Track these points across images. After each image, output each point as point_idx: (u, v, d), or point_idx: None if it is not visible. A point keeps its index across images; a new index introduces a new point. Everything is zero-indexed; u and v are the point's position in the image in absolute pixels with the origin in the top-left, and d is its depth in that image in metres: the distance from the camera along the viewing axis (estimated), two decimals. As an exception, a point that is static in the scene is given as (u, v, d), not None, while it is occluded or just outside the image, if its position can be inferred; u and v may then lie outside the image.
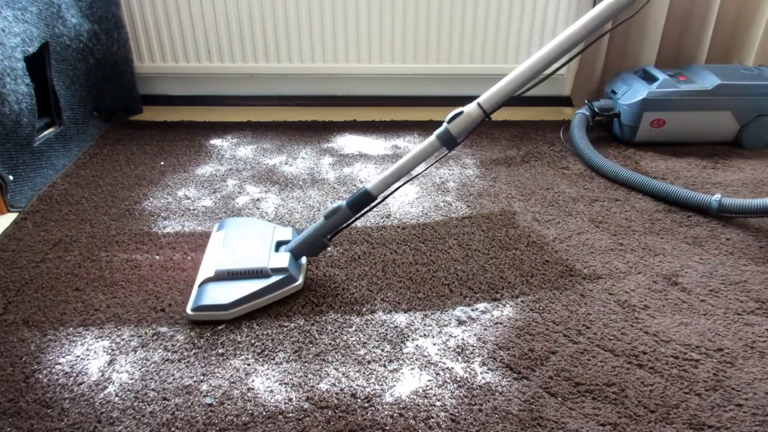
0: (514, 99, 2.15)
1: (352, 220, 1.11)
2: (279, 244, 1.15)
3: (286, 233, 1.18)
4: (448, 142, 1.07)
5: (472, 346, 0.98)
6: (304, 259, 1.15)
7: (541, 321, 1.03)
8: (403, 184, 1.12)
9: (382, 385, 0.90)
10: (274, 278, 1.05)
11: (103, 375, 0.91)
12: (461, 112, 1.06)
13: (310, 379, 0.91)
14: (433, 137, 1.08)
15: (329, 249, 1.22)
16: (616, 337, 1.00)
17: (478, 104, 1.06)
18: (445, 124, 1.07)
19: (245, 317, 1.03)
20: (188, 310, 1.02)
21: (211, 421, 0.83)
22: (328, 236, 1.12)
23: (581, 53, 1.20)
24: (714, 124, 1.69)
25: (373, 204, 1.10)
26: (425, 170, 1.08)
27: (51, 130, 1.57)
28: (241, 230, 1.19)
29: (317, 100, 2.05)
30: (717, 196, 1.33)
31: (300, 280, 1.10)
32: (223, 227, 1.21)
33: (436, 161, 1.11)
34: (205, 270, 1.09)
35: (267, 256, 1.10)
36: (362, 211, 1.10)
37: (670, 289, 1.12)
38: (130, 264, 1.17)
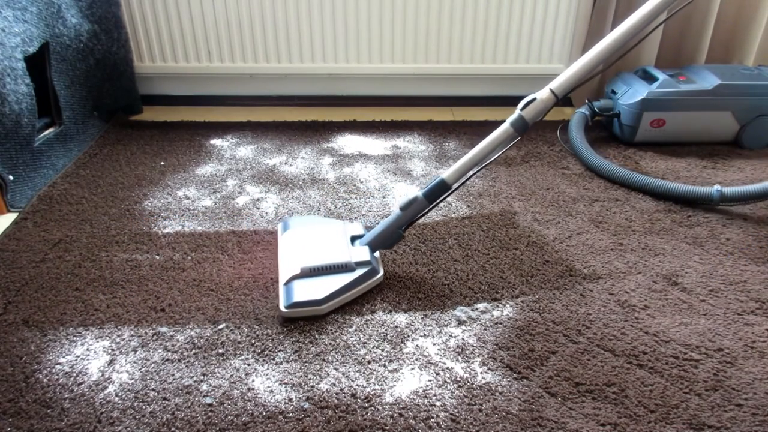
0: (514, 99, 2.15)
1: (427, 209, 1.13)
2: (353, 239, 1.17)
3: (357, 228, 1.20)
4: (522, 128, 1.11)
5: (472, 346, 0.98)
6: (377, 252, 1.17)
7: (541, 321, 1.03)
8: (477, 171, 1.14)
9: (382, 385, 0.90)
10: (359, 272, 1.08)
11: (103, 375, 0.91)
12: (534, 99, 1.09)
13: (310, 379, 0.91)
14: (507, 125, 1.12)
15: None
16: (616, 337, 1.00)
17: (551, 90, 1.09)
18: (518, 111, 1.11)
19: (245, 317, 1.03)
20: (282, 308, 1.03)
21: (211, 421, 0.83)
22: (403, 228, 1.14)
23: (646, 37, 1.26)
24: (714, 124, 1.69)
25: (448, 193, 1.12)
26: (497, 157, 1.12)
27: (51, 130, 1.57)
28: (312, 227, 1.20)
29: (317, 100, 2.05)
30: (717, 187, 1.33)
31: (381, 272, 1.12)
32: (290, 226, 1.22)
33: (508, 147, 1.12)
34: (288, 268, 1.09)
35: (347, 250, 1.12)
36: (438, 201, 1.13)
37: (670, 289, 1.12)
38: (130, 264, 1.17)
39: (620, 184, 1.50)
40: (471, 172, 1.13)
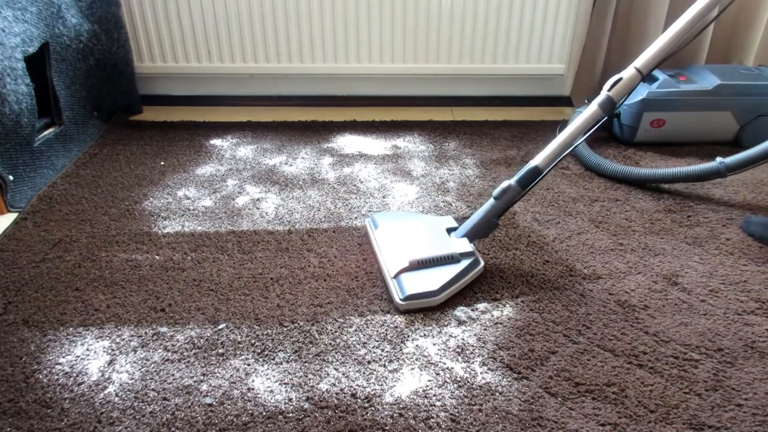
0: (514, 99, 2.15)
1: (520, 196, 1.15)
2: (449, 231, 1.19)
3: (449, 220, 1.23)
4: (610, 109, 1.13)
5: (472, 346, 0.98)
6: None
7: (541, 321, 1.03)
8: (566, 154, 1.16)
9: (382, 385, 0.90)
10: (464, 262, 1.10)
11: (103, 375, 0.91)
12: (620, 79, 1.12)
13: (310, 379, 0.91)
14: (595, 107, 1.13)
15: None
16: (616, 337, 1.00)
17: (636, 68, 1.12)
18: (605, 92, 1.13)
19: (245, 317, 1.03)
20: (398, 301, 1.04)
21: (211, 421, 0.83)
22: (498, 216, 1.16)
23: (721, 12, 1.29)
24: (714, 124, 1.69)
25: (540, 177, 1.14)
26: (584, 138, 1.15)
27: (51, 130, 1.57)
28: (406, 222, 1.22)
29: (317, 100, 2.05)
30: (719, 159, 1.34)
31: (482, 263, 1.14)
32: (382, 221, 1.24)
33: (595, 129, 1.14)
34: (395, 262, 1.11)
35: (448, 242, 1.14)
36: (530, 187, 1.15)
37: (670, 289, 1.12)
38: (130, 264, 1.17)
39: (623, 181, 1.51)
40: (561, 156, 1.15)
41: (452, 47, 1.92)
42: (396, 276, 1.08)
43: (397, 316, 1.04)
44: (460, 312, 1.05)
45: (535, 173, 1.14)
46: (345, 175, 1.55)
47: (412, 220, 1.24)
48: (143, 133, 1.78)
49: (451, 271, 1.08)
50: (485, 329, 1.01)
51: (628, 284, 1.14)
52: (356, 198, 1.44)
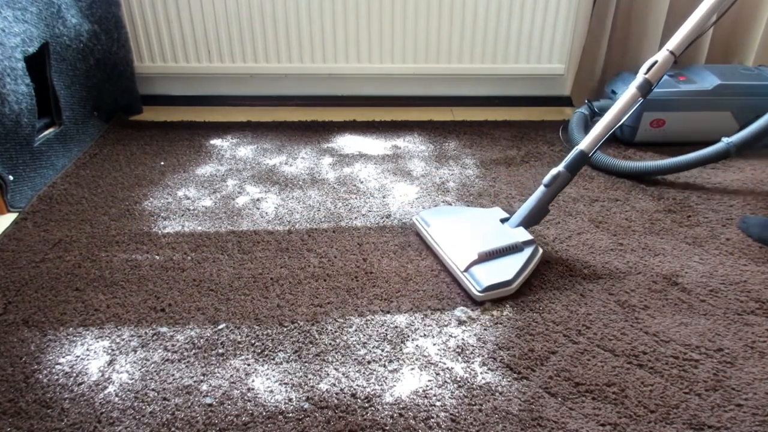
0: (514, 99, 2.15)
1: (569, 181, 1.21)
2: (502, 221, 1.23)
3: (499, 211, 1.27)
4: (647, 91, 1.20)
5: (472, 346, 0.98)
6: None
7: (541, 321, 1.03)
8: (607, 136, 1.21)
9: (382, 385, 0.90)
10: (528, 250, 1.15)
11: (103, 375, 0.91)
12: (656, 62, 1.19)
13: (310, 379, 0.91)
14: (633, 89, 1.20)
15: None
16: (616, 337, 1.00)
17: (669, 51, 1.19)
18: (642, 75, 1.20)
19: (245, 317, 1.03)
20: (476, 292, 1.07)
21: (211, 421, 0.83)
22: (549, 203, 1.21)
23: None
24: (714, 124, 1.69)
25: (586, 161, 1.21)
26: (623, 121, 1.21)
27: (51, 130, 1.57)
28: (458, 217, 1.26)
29: (317, 100, 2.05)
30: (724, 140, 1.37)
31: (541, 250, 1.19)
32: (432, 220, 1.25)
33: (633, 110, 1.20)
34: (462, 256, 1.13)
35: (507, 232, 1.18)
36: (578, 171, 1.21)
37: (670, 289, 1.12)
38: (130, 264, 1.17)
39: (630, 177, 1.51)
40: (603, 139, 1.21)
41: (452, 47, 1.92)
42: (467, 269, 1.11)
43: (397, 316, 1.04)
44: (460, 312, 1.05)
45: (582, 157, 1.19)
46: (345, 175, 1.55)
47: (463, 214, 1.27)
48: (143, 133, 1.78)
49: (519, 259, 1.13)
50: (485, 329, 1.01)
51: (628, 284, 1.14)
52: (356, 198, 1.44)
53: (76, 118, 1.65)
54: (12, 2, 1.38)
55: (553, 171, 1.19)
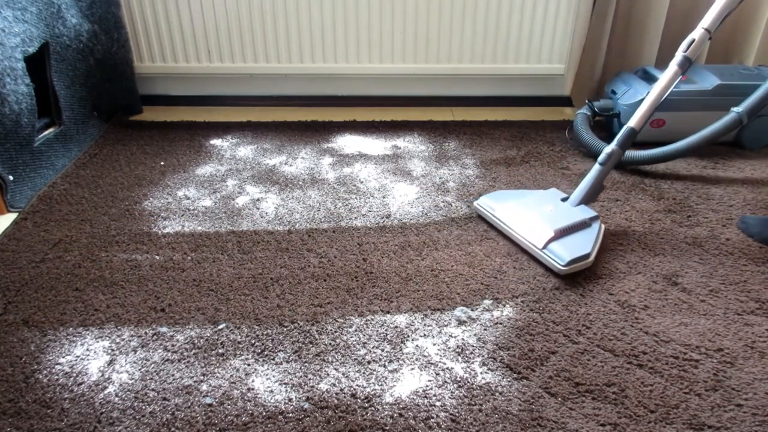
0: (514, 99, 2.15)
1: (621, 157, 1.31)
2: (563, 201, 1.31)
3: (557, 192, 1.35)
4: (687, 67, 1.28)
5: (472, 346, 0.98)
6: None
7: (541, 321, 1.03)
8: (653, 112, 1.31)
9: (382, 385, 0.90)
10: (595, 226, 1.24)
11: (103, 375, 0.91)
12: (693, 40, 1.26)
13: (310, 379, 0.91)
14: (674, 66, 1.28)
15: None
16: (616, 337, 1.00)
17: (704, 28, 1.26)
18: (681, 53, 1.28)
19: (245, 317, 1.03)
20: (560, 267, 1.14)
21: (211, 421, 0.83)
22: (603, 180, 1.30)
23: None
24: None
25: (635, 136, 1.29)
26: (665, 96, 1.31)
27: (51, 130, 1.57)
28: (521, 200, 1.32)
29: (317, 100, 2.05)
30: (733, 110, 1.42)
31: (604, 225, 1.29)
32: (496, 204, 1.31)
33: (674, 85, 1.30)
34: (538, 234, 1.20)
35: (573, 210, 1.27)
36: (629, 146, 1.31)
37: (670, 289, 1.12)
38: (130, 264, 1.17)
39: (646, 164, 1.55)
40: (650, 115, 1.30)
41: (452, 47, 1.92)
42: (545, 246, 1.17)
43: (397, 316, 1.04)
44: (460, 312, 1.05)
45: (632, 134, 1.28)
46: (345, 175, 1.55)
47: (525, 197, 1.34)
48: (143, 133, 1.78)
49: (591, 233, 1.21)
50: (485, 329, 1.01)
51: (628, 284, 1.14)
52: (356, 198, 1.44)
53: (76, 118, 1.65)
54: (12, 2, 1.38)
55: (607, 149, 1.29)
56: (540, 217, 1.24)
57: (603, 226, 1.27)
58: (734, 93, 1.64)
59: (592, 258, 1.17)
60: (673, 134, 1.70)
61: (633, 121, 1.29)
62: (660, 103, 1.30)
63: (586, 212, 1.26)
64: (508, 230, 1.27)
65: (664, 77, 1.29)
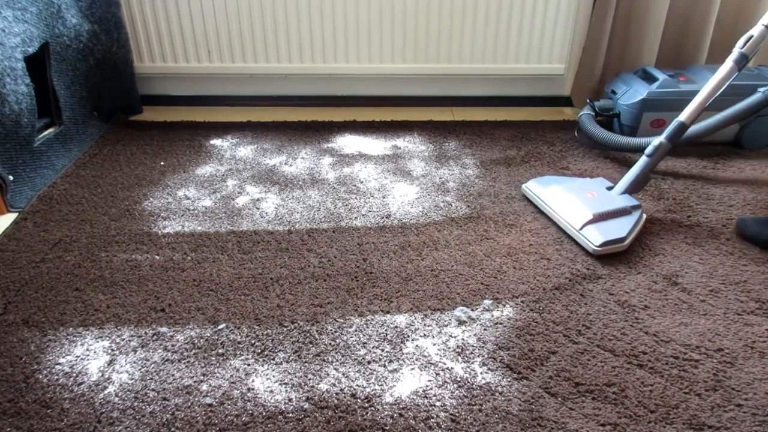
0: (514, 99, 2.15)
1: (669, 150, 1.33)
2: (608, 189, 1.35)
3: (603, 181, 1.40)
4: (744, 64, 1.27)
5: (472, 346, 0.98)
6: None
7: (541, 321, 1.03)
8: (706, 107, 1.30)
9: (382, 385, 0.90)
10: (636, 213, 1.27)
11: (103, 375, 0.91)
12: (751, 36, 1.26)
13: (310, 379, 0.91)
14: (730, 62, 1.27)
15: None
16: (616, 337, 1.00)
17: (765, 25, 1.25)
18: (738, 50, 1.27)
19: (245, 317, 1.03)
20: (594, 247, 1.20)
21: (211, 421, 0.83)
22: (651, 172, 1.33)
23: None
24: (714, 124, 1.69)
25: (685, 131, 1.31)
26: (720, 92, 1.30)
27: (51, 130, 1.57)
28: (567, 185, 1.37)
29: (317, 100, 2.05)
30: (761, 90, 1.45)
31: (645, 215, 1.31)
32: (542, 187, 1.38)
33: (729, 82, 1.28)
34: (578, 216, 1.26)
35: (615, 198, 1.31)
36: (678, 141, 1.31)
37: (670, 289, 1.12)
38: (130, 264, 1.17)
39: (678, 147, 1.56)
40: (702, 110, 1.30)
41: (452, 47, 1.92)
42: (582, 228, 1.23)
43: (397, 316, 1.04)
44: (460, 312, 1.05)
45: (682, 128, 1.30)
46: (345, 175, 1.55)
47: (572, 182, 1.39)
48: (143, 133, 1.78)
49: (629, 220, 1.25)
50: (485, 329, 1.01)
51: (628, 284, 1.14)
52: (356, 198, 1.44)
53: (76, 118, 1.65)
54: (12, 2, 1.38)
55: (655, 142, 1.31)
56: (582, 200, 1.29)
57: (645, 216, 1.30)
58: (734, 93, 1.64)
59: (627, 242, 1.21)
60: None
61: (683, 116, 1.30)
62: (713, 99, 1.29)
63: (628, 201, 1.29)
64: (550, 211, 1.33)
65: (718, 73, 1.29)
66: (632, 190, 1.34)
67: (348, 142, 1.75)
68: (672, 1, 1.81)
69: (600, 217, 1.24)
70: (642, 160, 1.33)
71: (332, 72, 1.95)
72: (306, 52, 1.91)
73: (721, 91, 1.29)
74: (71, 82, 1.62)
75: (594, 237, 1.21)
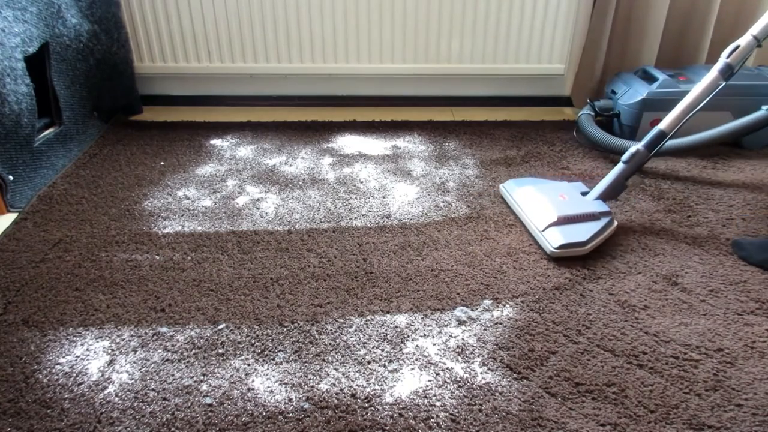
0: (514, 99, 2.15)
1: (648, 158, 1.29)
2: (583, 194, 1.33)
3: (580, 185, 1.37)
4: (729, 75, 1.23)
5: (472, 346, 0.98)
6: None
7: (541, 321, 1.03)
8: (688, 118, 1.27)
9: (382, 385, 0.90)
10: (604, 220, 1.25)
11: (103, 375, 0.91)
12: (738, 46, 1.21)
13: (310, 379, 0.91)
14: (715, 73, 1.23)
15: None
16: (616, 337, 1.00)
17: (752, 36, 1.21)
18: (724, 59, 1.23)
19: (245, 317, 1.03)
20: (552, 248, 1.18)
21: (211, 421, 0.83)
22: (627, 179, 1.30)
23: None
24: (714, 124, 1.69)
25: (665, 140, 1.28)
26: (705, 102, 1.26)
27: (51, 130, 1.57)
28: (541, 186, 1.36)
29: (317, 100, 2.05)
30: (765, 107, 1.41)
31: (616, 222, 1.28)
32: (517, 187, 1.37)
33: (714, 94, 1.24)
34: (542, 217, 1.25)
35: (586, 203, 1.29)
36: (657, 149, 1.28)
37: (670, 289, 1.12)
38: (130, 264, 1.17)
39: (667, 155, 1.56)
40: (683, 121, 1.27)
41: (452, 47, 1.92)
42: (545, 229, 1.22)
43: (397, 316, 1.04)
44: (460, 312, 1.05)
45: (661, 136, 1.27)
46: (345, 175, 1.55)
47: (547, 184, 1.37)
48: (143, 133, 1.78)
49: (594, 226, 1.23)
50: (485, 329, 1.01)
51: (628, 284, 1.14)
52: (356, 198, 1.44)
53: (76, 118, 1.65)
54: (12, 2, 1.38)
55: (632, 148, 1.28)
56: (550, 203, 1.27)
57: (614, 224, 1.28)
58: (734, 93, 1.65)
59: (587, 247, 1.19)
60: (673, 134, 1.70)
61: (664, 124, 1.27)
62: (696, 109, 1.26)
63: (599, 207, 1.27)
64: (519, 211, 1.33)
65: (702, 82, 1.24)
66: (606, 196, 1.31)
67: (348, 142, 1.75)
68: (672, 1, 1.81)
69: (565, 220, 1.23)
70: (618, 167, 1.30)
71: (332, 72, 1.95)
72: (306, 52, 1.91)
73: (705, 102, 1.24)
74: (71, 82, 1.62)
75: (554, 239, 1.19)
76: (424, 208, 1.40)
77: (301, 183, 1.51)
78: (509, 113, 2.00)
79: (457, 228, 1.31)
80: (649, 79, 1.70)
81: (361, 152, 1.69)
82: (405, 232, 1.30)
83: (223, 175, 1.55)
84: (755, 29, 1.20)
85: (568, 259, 1.21)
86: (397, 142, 1.75)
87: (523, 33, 1.90)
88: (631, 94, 1.68)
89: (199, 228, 1.30)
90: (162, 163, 1.60)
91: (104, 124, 1.82)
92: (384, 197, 1.44)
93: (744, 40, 1.21)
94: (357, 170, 1.58)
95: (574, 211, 1.24)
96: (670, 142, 1.51)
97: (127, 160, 1.61)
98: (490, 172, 1.58)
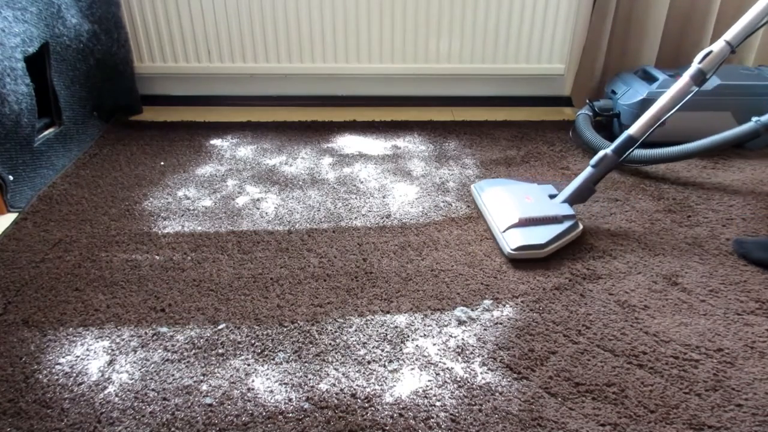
0: (514, 99, 2.15)
1: (617, 164, 1.27)
2: (550, 197, 1.31)
3: (549, 188, 1.36)
4: (701, 81, 1.21)
5: (472, 346, 0.98)
6: None
7: (541, 321, 1.03)
8: (658, 125, 1.24)
9: (382, 385, 0.90)
10: (567, 223, 1.23)
11: (103, 375, 0.91)
12: (710, 52, 1.19)
13: (310, 379, 0.91)
14: (687, 78, 1.20)
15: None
16: (616, 337, 1.00)
17: (726, 41, 1.18)
18: (696, 65, 1.20)
19: (245, 317, 1.03)
20: (509, 250, 1.18)
21: (211, 421, 0.83)
22: (595, 183, 1.28)
23: None
24: (714, 124, 1.69)
25: (635, 146, 1.25)
26: (676, 110, 1.23)
27: (51, 130, 1.57)
28: (510, 187, 1.36)
29: (317, 100, 2.05)
30: (755, 119, 1.39)
31: (581, 226, 1.27)
32: (487, 187, 1.38)
33: (686, 100, 1.22)
34: (504, 219, 1.25)
35: (551, 205, 1.28)
36: (626, 155, 1.26)
37: (670, 289, 1.12)
38: (130, 264, 1.17)
39: (657, 162, 1.54)
40: (654, 126, 1.24)
41: (452, 47, 1.92)
42: (506, 230, 1.22)
43: (397, 316, 1.04)
44: (460, 312, 1.05)
45: (630, 142, 1.24)
46: (345, 175, 1.55)
47: (516, 186, 1.37)
48: (143, 133, 1.78)
49: (555, 229, 1.21)
50: (485, 329, 1.01)
51: (628, 284, 1.14)
52: (356, 198, 1.44)
53: (76, 118, 1.65)
54: (12, 2, 1.38)
55: (601, 153, 1.26)
56: (515, 204, 1.27)
57: (579, 228, 1.25)
58: (734, 93, 1.65)
59: (545, 250, 1.18)
60: (673, 134, 1.70)
61: (632, 129, 1.25)
62: (667, 114, 1.23)
63: (564, 210, 1.26)
64: (485, 211, 1.33)
65: (673, 88, 1.22)
66: (574, 200, 1.29)
67: (348, 142, 1.75)
68: (672, 1, 1.81)
69: (526, 222, 1.22)
70: (586, 171, 1.28)
71: (332, 72, 1.95)
72: (306, 52, 1.91)
73: (677, 108, 1.22)
74: (71, 82, 1.62)
75: (512, 240, 1.19)
76: (424, 208, 1.40)
77: (301, 183, 1.51)
78: (509, 113, 2.00)
79: (457, 228, 1.31)
80: (649, 79, 1.70)
81: (361, 152, 1.69)
82: (405, 232, 1.30)
83: (223, 175, 1.55)
84: (729, 35, 1.17)
85: (568, 259, 1.21)
86: (397, 142, 1.75)
87: (523, 33, 1.90)
88: (631, 94, 1.68)
89: (199, 228, 1.30)
90: (162, 163, 1.60)
91: (104, 124, 1.82)
92: (384, 197, 1.44)
93: (717, 46, 1.18)
94: (357, 170, 1.58)
95: (536, 214, 1.24)
96: (657, 151, 1.51)
97: (127, 160, 1.61)
98: (490, 172, 1.58)
